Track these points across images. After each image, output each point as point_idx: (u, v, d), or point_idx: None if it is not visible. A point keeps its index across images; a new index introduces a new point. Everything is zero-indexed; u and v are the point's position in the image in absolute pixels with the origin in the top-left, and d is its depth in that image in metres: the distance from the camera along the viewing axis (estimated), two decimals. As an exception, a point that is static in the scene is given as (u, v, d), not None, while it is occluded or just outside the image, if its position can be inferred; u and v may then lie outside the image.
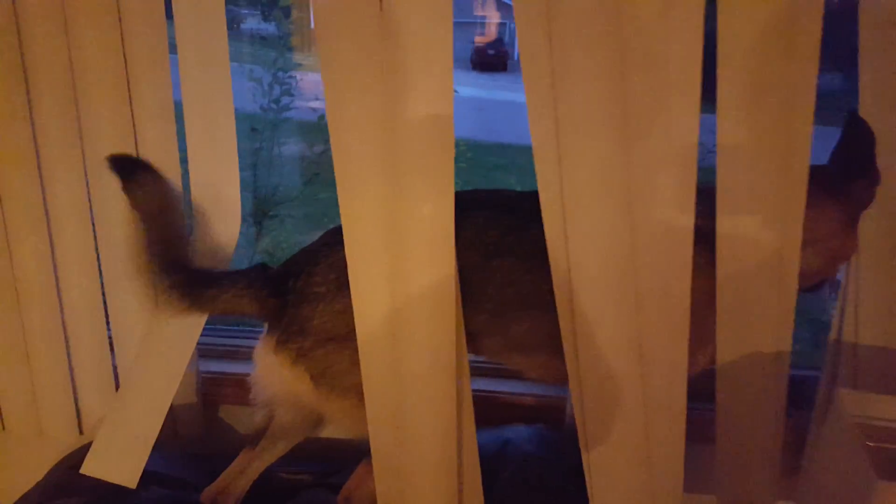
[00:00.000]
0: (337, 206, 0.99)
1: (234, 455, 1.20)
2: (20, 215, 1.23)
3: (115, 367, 1.32)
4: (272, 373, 1.08)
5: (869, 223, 1.06)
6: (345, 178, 0.98)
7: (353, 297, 1.00)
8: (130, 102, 1.17)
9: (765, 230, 0.98)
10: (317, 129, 2.40)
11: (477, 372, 1.31)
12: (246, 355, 1.15)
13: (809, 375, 1.19)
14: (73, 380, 1.33)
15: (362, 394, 1.04)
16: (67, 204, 1.24)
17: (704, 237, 0.99)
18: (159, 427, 1.18)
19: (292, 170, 2.53)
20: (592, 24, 0.91)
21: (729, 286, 1.00)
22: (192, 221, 1.21)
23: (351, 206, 0.99)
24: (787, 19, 0.90)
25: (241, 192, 1.20)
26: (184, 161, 1.19)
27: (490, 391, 1.36)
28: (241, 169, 1.18)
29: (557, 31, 0.92)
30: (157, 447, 1.18)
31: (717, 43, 0.92)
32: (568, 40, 0.92)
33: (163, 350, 1.19)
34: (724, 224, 0.98)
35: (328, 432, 1.24)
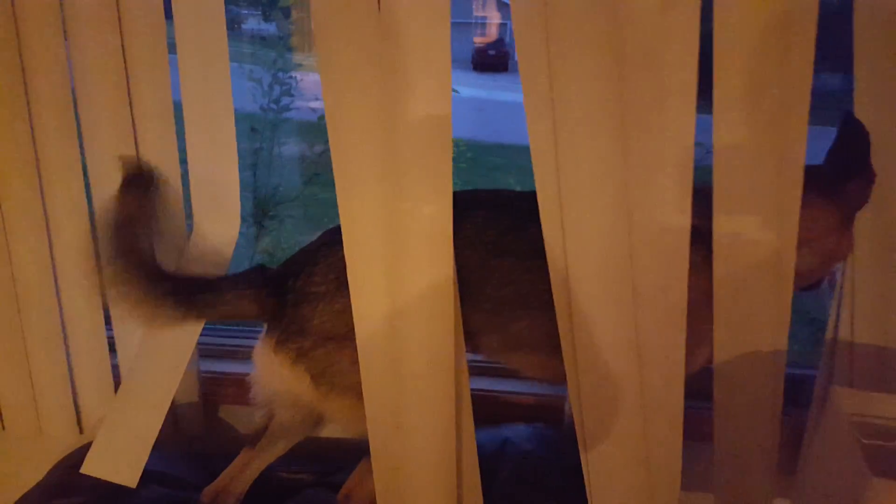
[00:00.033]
0: (337, 206, 1.00)
1: (234, 454, 1.21)
2: (20, 216, 1.23)
3: (114, 367, 1.32)
4: (272, 372, 1.08)
5: (864, 222, 1.06)
6: (343, 178, 0.98)
7: (352, 296, 1.01)
8: (130, 103, 1.17)
9: (761, 230, 0.98)
10: (317, 130, 2.40)
11: (476, 371, 1.31)
12: (246, 355, 1.15)
13: (807, 374, 1.20)
14: (72, 380, 1.33)
15: (362, 393, 1.04)
16: (67, 204, 1.24)
17: (702, 237, 0.99)
18: (159, 426, 1.18)
19: (292, 170, 2.53)
20: (590, 25, 0.92)
21: (726, 285, 1.00)
22: (192, 222, 1.21)
23: (350, 207, 0.99)
24: (783, 20, 0.90)
25: (241, 192, 1.20)
26: (183, 161, 1.20)
27: (489, 390, 1.37)
28: (241, 169, 1.19)
29: (555, 32, 0.92)
30: (157, 446, 1.18)
31: (714, 43, 0.92)
32: (565, 41, 0.92)
33: (163, 349, 1.19)
34: (721, 224, 0.98)
35: (328, 431, 1.24)
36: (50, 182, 1.23)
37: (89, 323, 1.30)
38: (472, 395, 1.07)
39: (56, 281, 1.27)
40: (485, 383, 1.38)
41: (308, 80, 2.34)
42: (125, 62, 1.15)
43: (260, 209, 2.36)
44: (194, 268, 1.21)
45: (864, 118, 1.01)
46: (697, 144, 0.96)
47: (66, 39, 1.16)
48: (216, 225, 1.21)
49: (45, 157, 1.22)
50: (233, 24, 2.55)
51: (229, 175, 1.18)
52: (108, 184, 1.21)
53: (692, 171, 0.95)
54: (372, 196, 0.99)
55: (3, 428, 1.36)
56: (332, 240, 1.05)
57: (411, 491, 1.07)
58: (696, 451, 1.05)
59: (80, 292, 1.28)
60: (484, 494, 1.10)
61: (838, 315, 1.11)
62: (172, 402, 1.21)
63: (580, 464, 1.06)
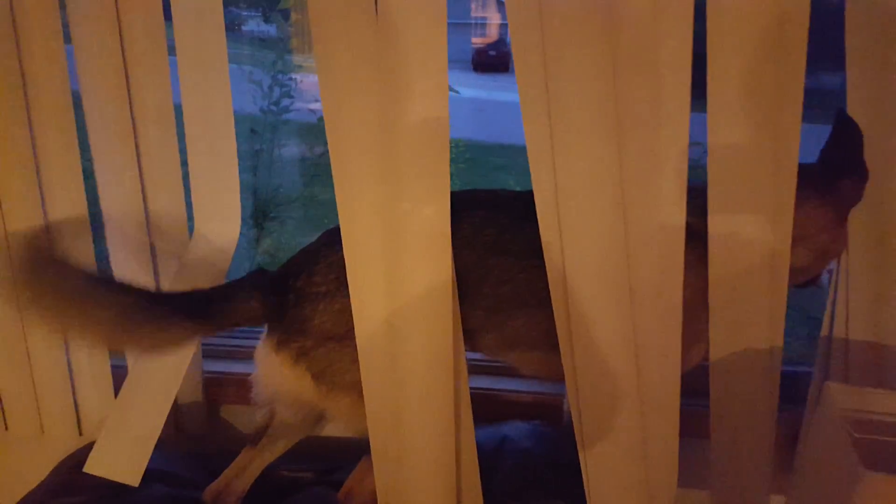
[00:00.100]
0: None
1: (235, 453, 1.21)
2: (20, 216, 1.23)
3: (114, 368, 1.33)
4: (273, 372, 1.09)
5: (858, 219, 1.07)
6: (343, 179, 0.99)
7: (351, 296, 1.01)
8: (130, 105, 1.18)
9: (756, 228, 0.98)
10: (317, 131, 2.40)
11: (475, 370, 1.31)
12: (247, 355, 1.16)
13: (803, 371, 1.20)
14: (72, 381, 1.34)
15: (362, 391, 1.04)
16: (66, 206, 1.24)
17: (697, 234, 1.00)
18: (161, 426, 1.18)
19: (292, 171, 2.54)
20: (585, 26, 0.92)
21: (721, 283, 1.01)
22: (193, 223, 1.22)
23: (349, 207, 1.00)
24: (776, 19, 0.91)
25: (242, 194, 1.21)
26: (184, 163, 1.20)
27: (488, 388, 1.37)
28: (242, 171, 1.19)
29: (550, 32, 0.93)
30: (159, 446, 1.19)
31: (707, 43, 0.93)
32: (561, 41, 0.93)
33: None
34: (716, 222, 0.99)
35: (329, 430, 1.25)
36: (50, 184, 1.23)
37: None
38: (472, 394, 1.08)
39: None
40: (484, 382, 1.38)
41: (308, 81, 2.34)
42: (125, 64, 1.16)
43: (260, 211, 2.36)
44: (195, 270, 1.22)
45: (856, 116, 1.02)
46: (696, 144, 0.97)
47: (66, 42, 1.17)
48: (217, 226, 1.22)
49: (45, 158, 1.22)
50: (232, 26, 2.56)
51: (229, 177, 1.19)
52: (110, 185, 1.22)
53: (687, 170, 0.96)
54: (371, 197, 0.99)
55: (6, 428, 1.37)
56: (332, 240, 1.05)
57: (411, 488, 1.08)
58: (692, 447, 1.06)
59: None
60: (483, 491, 1.11)
61: (833, 312, 1.11)
62: (175, 402, 1.22)
63: (578, 461, 1.07)
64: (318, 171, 2.44)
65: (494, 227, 1.06)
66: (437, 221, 1.00)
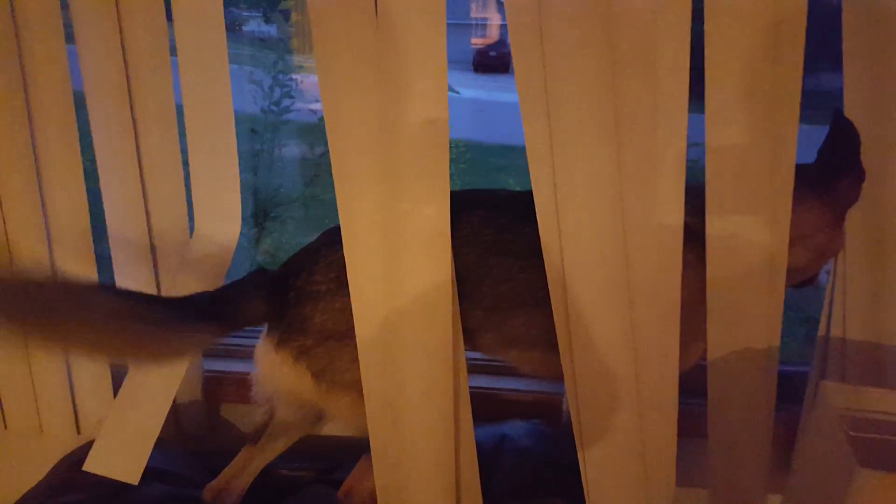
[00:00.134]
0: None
1: (235, 452, 1.22)
2: (20, 216, 1.24)
3: (114, 368, 1.33)
4: (273, 371, 1.09)
5: (855, 219, 1.07)
6: (343, 179, 0.99)
7: (351, 296, 1.01)
8: (131, 105, 1.18)
9: (754, 228, 0.99)
10: (317, 131, 2.40)
11: (474, 368, 1.32)
12: (247, 354, 1.16)
13: (800, 371, 1.21)
14: (70, 379, 1.34)
15: (362, 390, 1.05)
16: (67, 206, 1.25)
17: (696, 234, 1.00)
18: (161, 424, 1.18)
19: (293, 171, 2.53)
20: (584, 27, 0.93)
21: (719, 283, 1.01)
22: (193, 223, 1.22)
23: (349, 207, 1.00)
24: (773, 20, 0.92)
25: (242, 193, 1.21)
26: (185, 163, 1.21)
27: (487, 388, 1.38)
28: (242, 171, 1.19)
29: (549, 33, 0.93)
30: (159, 444, 1.19)
31: (705, 45, 0.93)
32: (560, 42, 0.93)
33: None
34: (714, 222, 1.00)
35: (328, 429, 1.25)
36: (50, 184, 1.23)
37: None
38: (471, 393, 1.08)
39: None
40: (483, 381, 1.39)
41: (308, 81, 2.34)
42: (126, 64, 1.16)
43: (261, 210, 2.36)
44: (195, 269, 1.22)
45: (853, 117, 1.02)
46: (696, 144, 0.98)
47: (68, 42, 1.18)
48: (217, 226, 1.22)
49: (45, 158, 1.22)
50: (233, 27, 2.56)
51: (230, 176, 1.19)
52: (113, 185, 1.23)
53: (685, 171, 0.96)
54: (371, 197, 1.00)
55: (5, 427, 1.37)
56: (333, 239, 1.06)
57: (411, 487, 1.08)
58: (690, 447, 1.07)
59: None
60: (482, 490, 1.11)
61: (830, 312, 1.12)
62: (174, 401, 1.22)
63: (577, 460, 1.07)
64: (319, 171, 2.44)
65: (494, 226, 1.07)
66: (437, 221, 1.00)
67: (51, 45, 1.17)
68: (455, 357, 1.04)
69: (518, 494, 1.20)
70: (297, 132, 2.50)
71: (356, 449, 1.13)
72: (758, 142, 0.96)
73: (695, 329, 1.03)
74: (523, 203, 1.01)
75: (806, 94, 0.93)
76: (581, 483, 1.08)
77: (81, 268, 1.27)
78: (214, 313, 1.05)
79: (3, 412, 1.36)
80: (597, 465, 1.07)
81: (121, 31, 1.14)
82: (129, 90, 1.17)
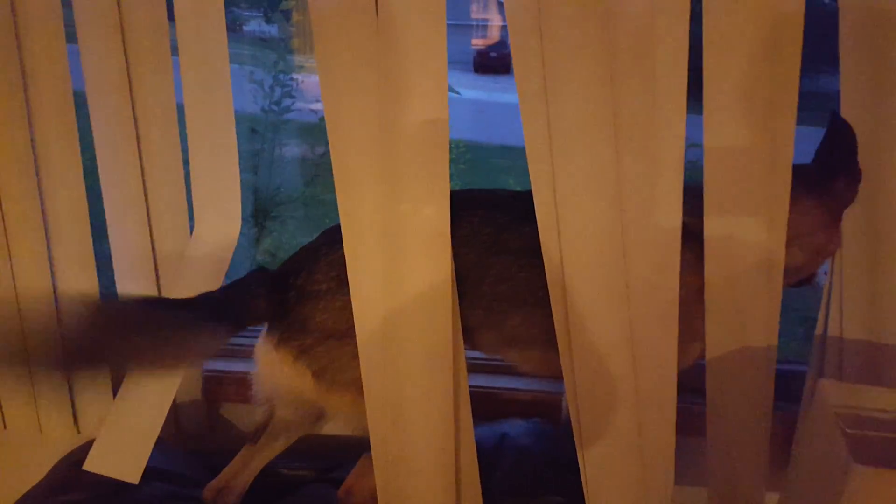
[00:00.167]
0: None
1: (235, 451, 1.22)
2: (20, 216, 1.24)
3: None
4: (273, 370, 1.09)
5: (852, 219, 1.08)
6: (343, 179, 0.99)
7: (351, 295, 1.02)
8: (133, 105, 1.18)
9: (751, 228, 0.99)
10: (318, 131, 2.40)
11: (474, 368, 1.32)
12: (247, 353, 1.16)
13: (798, 370, 1.21)
14: (69, 380, 1.34)
15: (362, 389, 1.05)
16: (67, 207, 1.25)
17: (694, 234, 1.01)
18: (161, 423, 1.19)
19: (293, 171, 2.53)
20: (583, 28, 0.93)
21: (717, 283, 1.02)
22: (193, 223, 1.23)
23: (349, 207, 1.00)
24: (771, 22, 0.92)
25: (243, 193, 1.21)
26: (185, 162, 1.21)
27: (487, 387, 1.38)
28: (243, 170, 1.20)
29: (549, 35, 0.93)
30: (159, 444, 1.19)
31: (703, 46, 0.94)
32: (559, 43, 0.94)
33: (166, 348, 1.20)
34: (712, 222, 1.00)
35: (328, 428, 1.25)
36: (50, 184, 1.24)
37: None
38: (471, 392, 1.08)
39: (54, 282, 1.28)
40: (483, 380, 1.39)
41: (309, 81, 2.34)
42: (127, 64, 1.16)
43: (261, 210, 2.36)
44: (195, 268, 1.22)
45: (850, 118, 1.03)
46: (695, 145, 0.98)
47: (68, 41, 1.18)
48: (217, 226, 1.22)
49: (45, 158, 1.22)
50: (234, 26, 2.56)
51: (230, 176, 1.19)
52: (113, 184, 1.23)
53: (683, 171, 0.97)
54: (371, 197, 1.00)
55: (5, 427, 1.37)
56: (333, 238, 1.06)
57: (411, 486, 1.08)
58: (689, 445, 1.07)
59: (78, 293, 1.28)
60: (482, 489, 1.11)
61: (827, 311, 1.12)
62: (174, 400, 1.22)
63: (577, 459, 1.07)
64: (319, 170, 2.44)
65: (493, 226, 1.07)
66: (437, 221, 1.00)
67: (51, 44, 1.17)
68: (455, 356, 1.04)
69: (518, 493, 1.21)
70: (298, 132, 2.50)
71: (356, 448, 1.13)
72: (756, 143, 0.96)
73: (693, 328, 1.03)
74: (523, 203, 1.01)
75: (803, 95, 0.94)
76: (580, 482, 1.08)
77: (81, 268, 1.27)
78: (223, 314, 1.05)
79: (1, 412, 1.36)
80: (596, 463, 1.07)
81: (122, 31, 1.15)
82: (131, 90, 1.17)
